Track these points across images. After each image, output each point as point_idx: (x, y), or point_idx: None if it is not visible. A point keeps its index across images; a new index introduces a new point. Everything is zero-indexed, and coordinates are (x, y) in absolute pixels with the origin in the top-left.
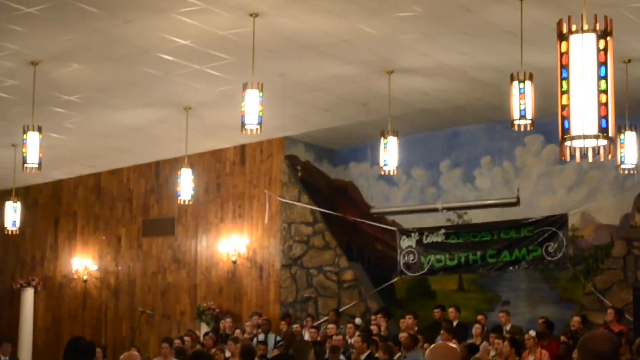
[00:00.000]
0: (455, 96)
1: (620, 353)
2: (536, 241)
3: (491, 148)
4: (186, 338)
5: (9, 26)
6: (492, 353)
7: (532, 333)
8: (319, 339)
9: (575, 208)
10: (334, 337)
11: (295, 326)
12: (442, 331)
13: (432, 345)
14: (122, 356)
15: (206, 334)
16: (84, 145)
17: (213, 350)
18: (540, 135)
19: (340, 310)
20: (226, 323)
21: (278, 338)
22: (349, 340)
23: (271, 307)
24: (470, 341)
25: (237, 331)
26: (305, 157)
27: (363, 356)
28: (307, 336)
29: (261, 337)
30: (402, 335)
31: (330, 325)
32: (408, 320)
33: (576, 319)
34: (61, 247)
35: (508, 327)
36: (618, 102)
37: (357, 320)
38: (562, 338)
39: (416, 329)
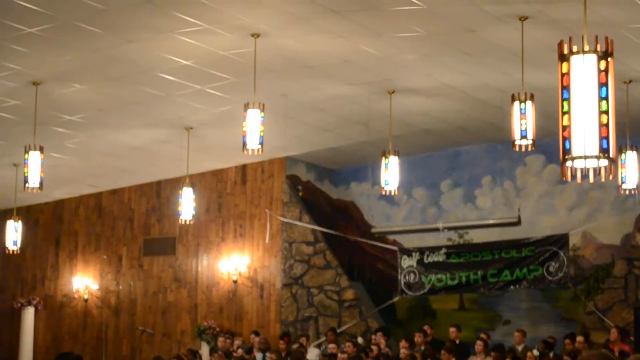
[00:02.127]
0: (456, 116)
1: None
2: (537, 261)
3: (492, 168)
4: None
5: (10, 46)
6: None
7: (536, 352)
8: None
9: (576, 228)
10: (339, 356)
11: (295, 345)
12: (442, 351)
13: None
14: None
15: (212, 352)
16: (85, 165)
17: None
18: (541, 155)
19: (341, 329)
20: (220, 342)
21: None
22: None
23: (272, 327)
24: (471, 358)
25: (239, 350)
26: (306, 177)
27: None
28: (309, 355)
29: (259, 356)
30: (402, 354)
31: (331, 345)
32: (418, 338)
33: (579, 338)
34: (62, 266)
35: (520, 348)
36: (619, 123)
37: (359, 340)
38: (565, 358)
39: (423, 347)
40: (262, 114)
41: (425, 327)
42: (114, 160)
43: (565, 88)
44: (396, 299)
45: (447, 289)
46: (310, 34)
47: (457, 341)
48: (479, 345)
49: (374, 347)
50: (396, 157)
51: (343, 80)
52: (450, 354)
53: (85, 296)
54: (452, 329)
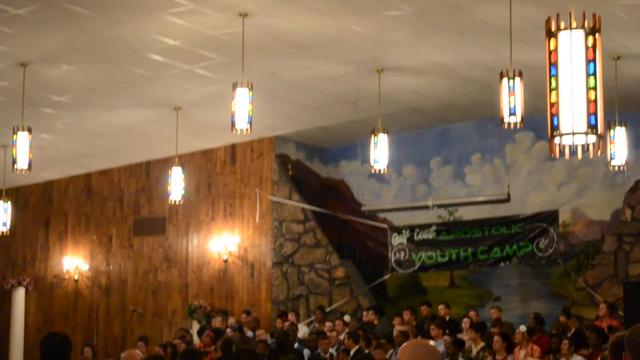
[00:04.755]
0: (445, 94)
1: None
2: (527, 237)
3: (481, 145)
4: (176, 341)
5: None
6: (476, 349)
7: (523, 328)
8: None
9: (565, 204)
10: (329, 334)
11: (286, 324)
12: (432, 326)
13: (411, 342)
14: (123, 354)
15: (200, 331)
16: (75, 146)
17: (212, 347)
18: (530, 132)
19: (332, 307)
20: (217, 321)
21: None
22: (340, 337)
23: (262, 305)
24: (460, 335)
25: (228, 330)
26: (296, 155)
27: (352, 351)
28: (301, 333)
29: (249, 335)
30: (396, 331)
31: (328, 324)
32: (405, 316)
33: (561, 319)
34: (52, 247)
35: None
36: (607, 99)
37: (346, 318)
38: (553, 332)
39: (414, 324)
40: (251, 93)
41: (423, 308)
42: (103, 141)
43: (553, 64)
44: (387, 276)
45: (437, 267)
46: (298, 13)
47: (447, 318)
48: (465, 323)
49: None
50: (385, 135)
51: (332, 59)
52: (440, 329)
53: (76, 277)
54: (440, 306)
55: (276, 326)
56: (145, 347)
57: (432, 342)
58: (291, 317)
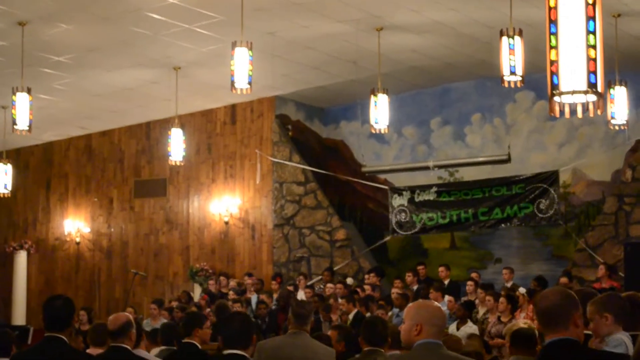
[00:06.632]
0: (445, 53)
1: (574, 306)
2: (527, 198)
3: (482, 105)
4: (174, 303)
5: None
6: (482, 310)
7: (523, 290)
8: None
9: (566, 164)
10: (331, 301)
11: (290, 287)
12: (431, 290)
13: (416, 303)
14: (110, 317)
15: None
16: (74, 107)
17: (207, 310)
18: (531, 91)
19: (333, 269)
20: (214, 284)
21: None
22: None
23: (264, 267)
24: (465, 299)
25: (231, 292)
26: (296, 116)
27: (351, 315)
28: (301, 296)
29: (254, 297)
30: (394, 294)
31: (329, 285)
32: (407, 278)
33: (563, 280)
34: (53, 209)
35: (509, 285)
36: (608, 58)
37: (349, 280)
38: None
39: (416, 287)
40: (250, 52)
41: (420, 268)
42: (103, 101)
43: (553, 22)
44: (388, 238)
45: (438, 228)
46: None
47: (447, 280)
48: (469, 286)
49: (366, 287)
50: (385, 95)
51: (331, 18)
52: (437, 292)
53: (77, 239)
54: (440, 269)
55: (272, 288)
56: (159, 309)
57: (436, 304)
58: (299, 280)
